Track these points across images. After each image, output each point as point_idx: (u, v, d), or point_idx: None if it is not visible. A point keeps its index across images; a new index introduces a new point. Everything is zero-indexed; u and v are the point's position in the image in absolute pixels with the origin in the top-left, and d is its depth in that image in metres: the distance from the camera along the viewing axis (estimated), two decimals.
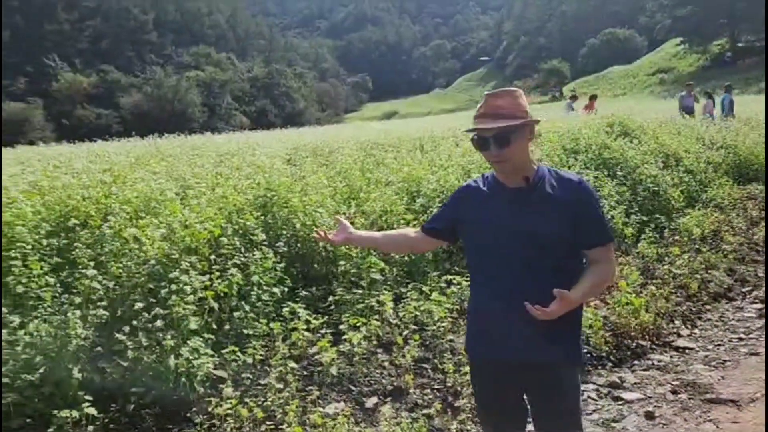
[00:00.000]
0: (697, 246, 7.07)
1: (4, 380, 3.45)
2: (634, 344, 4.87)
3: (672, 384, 4.29)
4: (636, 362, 4.68)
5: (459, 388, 3.96)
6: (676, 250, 6.76)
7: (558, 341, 2.21)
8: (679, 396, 4.11)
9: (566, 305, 2.05)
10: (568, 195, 2.20)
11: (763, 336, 5.00)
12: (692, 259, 6.51)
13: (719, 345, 4.99)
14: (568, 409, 2.29)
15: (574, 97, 21.91)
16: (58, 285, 4.19)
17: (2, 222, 4.57)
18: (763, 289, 6.07)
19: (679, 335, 5.17)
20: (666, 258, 6.64)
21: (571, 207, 2.18)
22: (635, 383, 4.33)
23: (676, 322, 5.38)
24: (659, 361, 4.70)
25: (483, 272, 2.32)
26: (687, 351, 4.89)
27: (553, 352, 2.21)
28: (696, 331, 5.31)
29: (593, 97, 20.26)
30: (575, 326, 2.29)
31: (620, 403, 4.06)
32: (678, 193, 8.43)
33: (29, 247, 4.49)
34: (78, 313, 3.79)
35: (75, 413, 3.29)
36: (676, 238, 7.38)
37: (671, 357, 4.79)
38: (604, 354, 4.66)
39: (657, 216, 7.80)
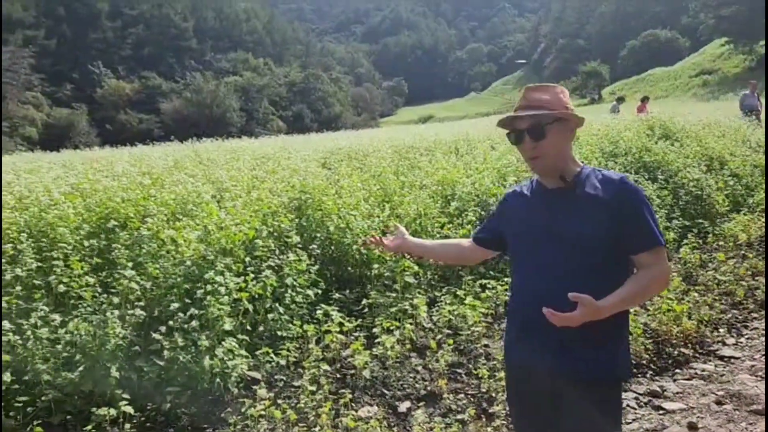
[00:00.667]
0: (743, 252, 6.83)
1: (46, 378, 3.53)
2: (676, 352, 4.72)
3: (716, 394, 4.13)
4: (678, 371, 4.53)
5: (494, 394, 3.90)
6: (721, 256, 6.54)
7: (596, 352, 2.04)
8: (724, 407, 3.96)
9: (590, 313, 1.86)
10: (609, 194, 2.04)
11: None
12: (738, 266, 6.29)
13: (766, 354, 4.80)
14: (605, 427, 2.09)
15: (620, 99, 20.94)
16: (97, 285, 4.28)
17: (42, 222, 4.69)
18: None
19: (724, 344, 4.98)
20: (710, 264, 6.44)
21: (612, 207, 2.02)
22: (677, 393, 4.19)
23: (721, 330, 5.20)
24: (702, 370, 4.54)
25: (522, 275, 2.20)
26: (732, 360, 4.71)
27: (589, 363, 2.04)
28: (742, 339, 5.11)
29: (645, 99, 19.00)
30: (618, 335, 2.11)
31: (661, 413, 3.93)
32: (722, 198, 8.16)
33: (70, 247, 4.61)
34: (117, 312, 3.87)
35: (113, 411, 3.35)
36: (721, 243, 7.15)
37: (715, 366, 4.62)
38: (644, 362, 4.53)
39: (700, 221, 7.57)
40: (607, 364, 2.06)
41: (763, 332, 5.24)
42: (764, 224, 7.73)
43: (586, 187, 2.08)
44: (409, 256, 5.21)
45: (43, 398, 3.50)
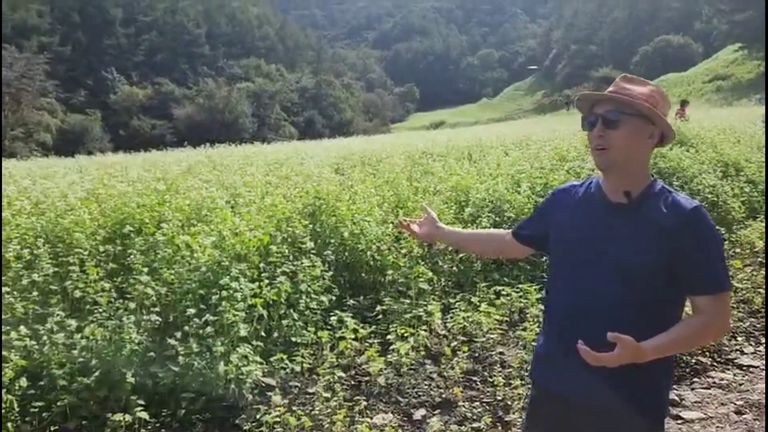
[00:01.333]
0: (759, 259, 6.75)
1: (62, 383, 3.54)
2: (694, 361, 4.66)
3: (735, 404, 4.07)
4: (696, 380, 4.47)
5: (509, 402, 3.86)
6: (738, 263, 6.46)
7: (637, 385, 1.82)
8: (744, 417, 3.90)
9: (629, 356, 1.64)
10: (674, 222, 1.78)
11: None
12: (755, 273, 6.22)
13: None
14: None
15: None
16: (113, 290, 4.30)
17: (58, 228, 4.73)
18: None
19: (743, 353, 4.92)
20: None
21: (674, 237, 1.77)
22: (695, 402, 4.13)
23: (739, 338, 5.13)
24: (721, 379, 4.48)
25: (561, 290, 1.96)
26: (751, 369, 4.64)
27: (625, 399, 1.82)
28: (761, 348, 5.04)
29: (685, 103, 17.53)
30: (665, 369, 1.87)
31: (680, 422, 3.88)
32: (738, 204, 8.08)
33: (86, 253, 4.63)
34: (132, 318, 3.87)
35: (128, 417, 3.35)
36: (737, 250, 7.07)
37: (734, 375, 4.55)
38: None
39: (716, 228, 7.48)
40: (643, 399, 1.84)
41: None
42: None
43: (650, 209, 1.84)
44: (423, 262, 5.18)
45: (59, 403, 3.50)
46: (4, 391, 3.34)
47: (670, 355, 1.87)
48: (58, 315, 3.83)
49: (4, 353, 3.50)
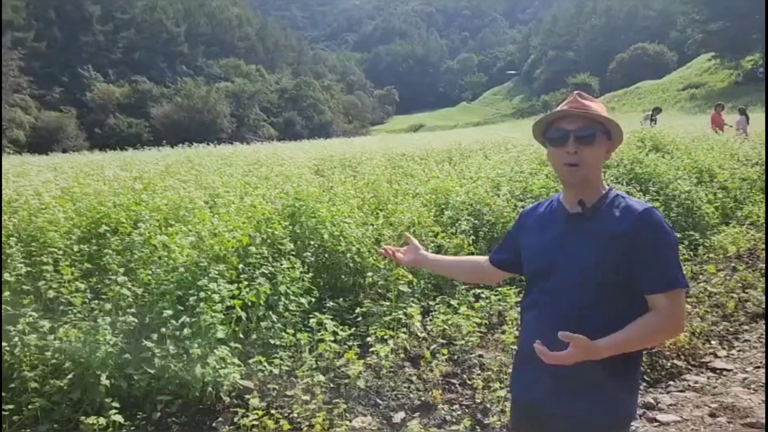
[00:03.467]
0: (733, 264, 6.88)
1: (33, 385, 3.47)
2: (669, 364, 4.73)
3: (710, 407, 4.13)
4: (671, 383, 4.53)
5: (488, 405, 3.87)
6: (712, 268, 6.58)
7: (595, 392, 1.87)
8: (718, 419, 3.96)
9: (582, 354, 1.70)
10: (627, 225, 1.85)
11: None
12: (728, 278, 6.33)
13: (758, 367, 4.80)
14: None
15: (657, 110, 19.38)
16: (88, 291, 4.22)
17: (32, 226, 4.63)
18: None
19: (716, 356, 5.00)
20: (701, 276, 6.47)
21: (628, 240, 1.84)
22: (671, 405, 4.18)
23: (713, 342, 5.21)
24: (696, 382, 4.54)
25: (529, 301, 2.05)
26: (725, 372, 4.72)
27: (587, 406, 1.87)
28: (734, 352, 5.13)
29: (719, 107, 16.68)
30: (625, 375, 1.91)
31: (655, 425, 3.93)
32: (712, 210, 8.23)
33: (61, 252, 4.54)
34: (107, 319, 3.80)
35: (102, 420, 3.29)
36: (711, 255, 7.19)
37: (708, 378, 4.62)
38: None
39: (691, 233, 7.62)
40: (606, 406, 1.89)
41: (755, 345, 5.26)
42: (753, 237, 7.79)
43: (605, 215, 1.91)
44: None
45: (29, 406, 3.42)
46: None
47: (635, 364, 1.94)
48: (30, 316, 3.74)
49: None
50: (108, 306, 3.96)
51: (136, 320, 3.96)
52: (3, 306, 3.97)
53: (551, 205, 2.09)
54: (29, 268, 4.42)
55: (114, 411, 3.38)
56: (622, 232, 1.85)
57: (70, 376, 3.54)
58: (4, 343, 3.55)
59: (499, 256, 2.28)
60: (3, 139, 52.45)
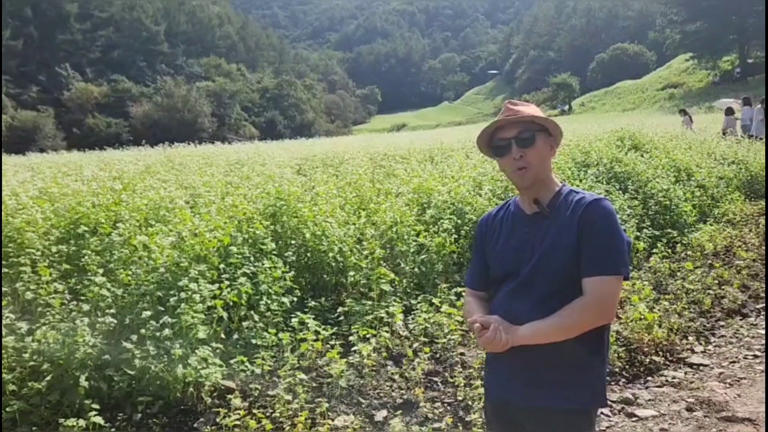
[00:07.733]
0: (709, 261, 6.99)
1: (11, 387, 3.42)
2: (648, 360, 4.79)
3: (687, 401, 4.20)
4: (650, 378, 4.60)
5: (470, 402, 3.90)
6: (689, 265, 6.68)
7: (564, 383, 1.93)
8: (695, 414, 4.03)
9: (499, 336, 1.83)
10: (576, 215, 1.92)
11: None
12: (705, 275, 6.43)
13: (734, 362, 4.90)
14: None
15: (683, 111, 19.23)
16: (66, 292, 4.18)
17: (9, 227, 4.56)
18: None
19: (693, 351, 5.08)
20: (678, 273, 6.56)
21: (577, 228, 1.91)
22: (649, 400, 4.25)
23: (690, 338, 5.29)
24: (673, 377, 4.61)
25: (499, 305, 2.05)
26: (701, 368, 4.80)
27: (556, 396, 1.93)
28: (710, 347, 5.22)
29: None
30: (589, 362, 1.96)
31: (634, 420, 3.98)
32: (690, 208, 8.35)
33: (39, 253, 4.49)
34: (86, 320, 3.77)
35: (81, 422, 3.26)
36: (689, 253, 7.30)
37: (685, 374, 4.70)
38: (617, 370, 4.59)
39: (669, 231, 7.72)
40: (576, 393, 1.94)
41: (730, 340, 5.36)
42: (729, 235, 7.92)
43: (559, 210, 1.98)
44: (384, 263, 5.20)
45: (8, 409, 3.38)
46: None
47: (599, 351, 1.97)
48: (7, 317, 3.70)
49: None
50: (87, 307, 3.93)
51: (116, 321, 3.93)
52: None
53: (508, 210, 2.16)
54: (6, 270, 4.37)
55: (94, 413, 3.35)
56: (574, 221, 1.92)
57: (48, 378, 3.50)
58: None
59: (474, 279, 2.23)
60: None
